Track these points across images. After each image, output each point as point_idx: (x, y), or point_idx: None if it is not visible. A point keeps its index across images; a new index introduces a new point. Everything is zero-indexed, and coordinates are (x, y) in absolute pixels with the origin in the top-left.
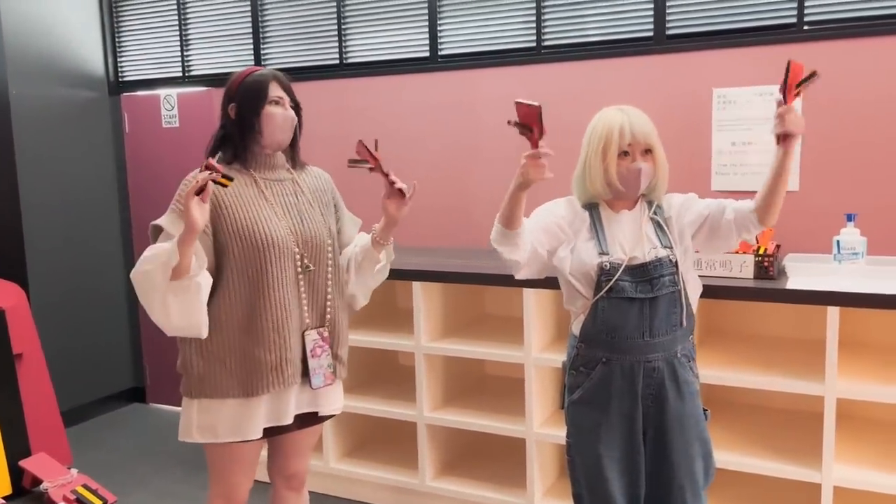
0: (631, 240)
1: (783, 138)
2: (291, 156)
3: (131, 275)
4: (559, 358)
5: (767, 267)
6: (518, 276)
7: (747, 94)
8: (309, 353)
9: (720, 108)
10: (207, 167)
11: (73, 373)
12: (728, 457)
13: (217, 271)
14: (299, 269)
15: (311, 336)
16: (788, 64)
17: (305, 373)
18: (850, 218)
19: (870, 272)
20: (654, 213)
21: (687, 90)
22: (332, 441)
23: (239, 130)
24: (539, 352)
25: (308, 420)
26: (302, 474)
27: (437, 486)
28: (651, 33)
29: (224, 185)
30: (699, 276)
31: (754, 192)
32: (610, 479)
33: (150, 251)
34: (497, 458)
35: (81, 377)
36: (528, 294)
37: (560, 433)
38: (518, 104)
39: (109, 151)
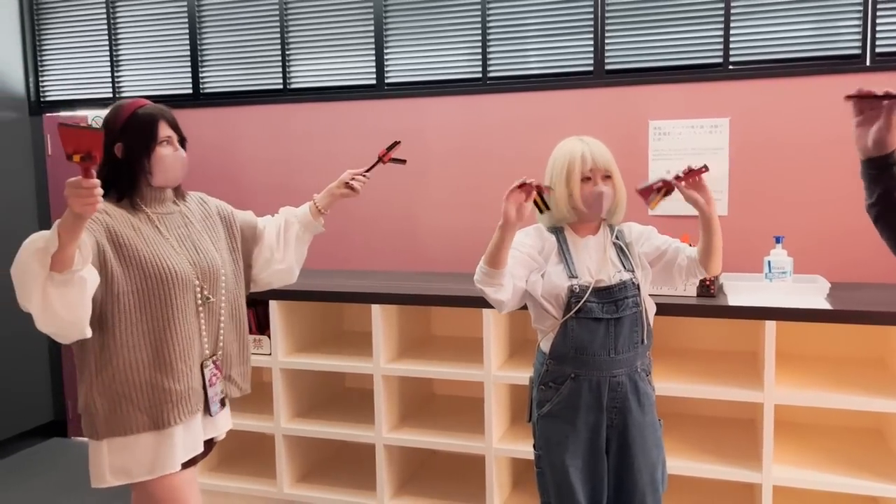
0: (597, 263)
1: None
2: (176, 188)
3: (11, 269)
4: (515, 375)
5: (709, 286)
6: (503, 312)
7: (679, 127)
8: (207, 383)
9: (656, 139)
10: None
11: None
12: (676, 463)
13: (115, 306)
14: (199, 301)
15: (209, 366)
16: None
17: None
18: (778, 240)
19: (797, 289)
20: (616, 237)
21: (625, 122)
22: (286, 466)
23: (128, 171)
24: (497, 370)
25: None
26: None
27: None
28: (591, 68)
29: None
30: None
31: (688, 216)
32: (576, 488)
33: (28, 240)
34: (451, 475)
35: None
36: (488, 315)
37: (517, 448)
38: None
39: (30, 174)
